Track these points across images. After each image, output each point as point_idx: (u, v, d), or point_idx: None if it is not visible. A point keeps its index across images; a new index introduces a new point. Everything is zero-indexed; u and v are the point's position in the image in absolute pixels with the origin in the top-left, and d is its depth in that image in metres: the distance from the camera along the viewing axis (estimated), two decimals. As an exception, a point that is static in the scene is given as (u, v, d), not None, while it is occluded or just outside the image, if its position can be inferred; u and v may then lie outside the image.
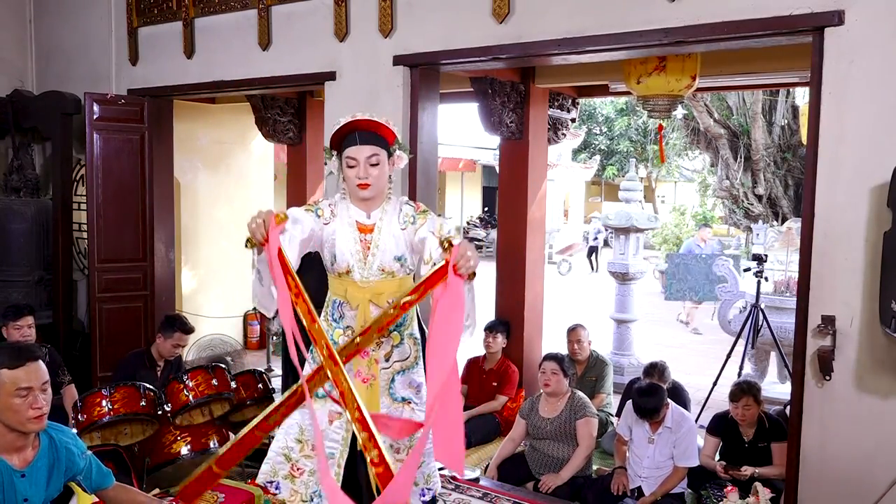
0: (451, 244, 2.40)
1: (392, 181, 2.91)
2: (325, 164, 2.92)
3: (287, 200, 7.09)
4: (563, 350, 5.36)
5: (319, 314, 2.73)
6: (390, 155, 2.85)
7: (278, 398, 2.78)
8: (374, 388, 2.81)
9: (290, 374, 3.41)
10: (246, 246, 2.56)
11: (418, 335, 2.91)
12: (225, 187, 7.66)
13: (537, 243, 5.99)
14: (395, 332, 2.84)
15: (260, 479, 2.94)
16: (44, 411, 2.44)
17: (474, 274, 2.43)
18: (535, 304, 5.99)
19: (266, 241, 2.50)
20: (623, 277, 7.45)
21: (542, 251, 6.16)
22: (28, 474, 2.48)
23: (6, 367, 2.39)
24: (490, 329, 5.60)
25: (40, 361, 2.45)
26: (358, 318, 2.79)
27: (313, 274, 2.91)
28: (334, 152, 2.86)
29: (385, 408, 2.81)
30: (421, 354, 2.89)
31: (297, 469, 2.86)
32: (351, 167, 2.78)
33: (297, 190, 6.95)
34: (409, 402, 2.86)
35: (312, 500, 2.85)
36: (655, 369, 4.76)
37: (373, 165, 2.77)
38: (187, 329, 4.86)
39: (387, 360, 2.85)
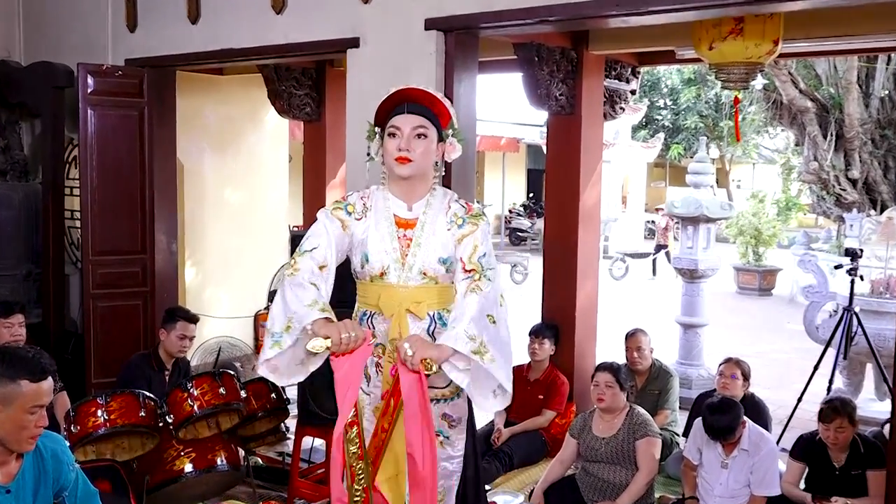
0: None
1: (439, 172, 2.86)
2: (367, 152, 2.84)
3: (304, 184, 7.14)
4: (621, 359, 5.32)
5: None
6: (442, 139, 2.80)
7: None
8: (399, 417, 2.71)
9: (309, 393, 3.44)
10: (311, 348, 2.52)
11: None
12: (234, 170, 7.74)
13: (590, 235, 5.95)
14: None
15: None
16: (42, 429, 2.52)
17: (431, 367, 2.50)
18: (588, 305, 5.95)
19: (347, 353, 2.54)
20: (691, 275, 7.37)
21: (596, 244, 6.11)
22: (14, 490, 2.54)
23: (28, 378, 2.45)
24: (536, 334, 5.58)
25: (48, 382, 2.52)
26: (391, 331, 2.74)
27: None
28: (378, 129, 2.81)
29: None
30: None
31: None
32: (393, 136, 2.73)
33: (315, 172, 6.99)
34: (439, 436, 2.80)
35: None
36: (738, 365, 4.75)
37: (419, 137, 2.72)
38: (191, 317, 4.94)
39: None
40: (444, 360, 2.55)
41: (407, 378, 2.52)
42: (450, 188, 2.90)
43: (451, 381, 2.72)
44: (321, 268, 2.71)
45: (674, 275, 16.35)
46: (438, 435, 2.79)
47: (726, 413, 4.06)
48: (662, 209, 19.17)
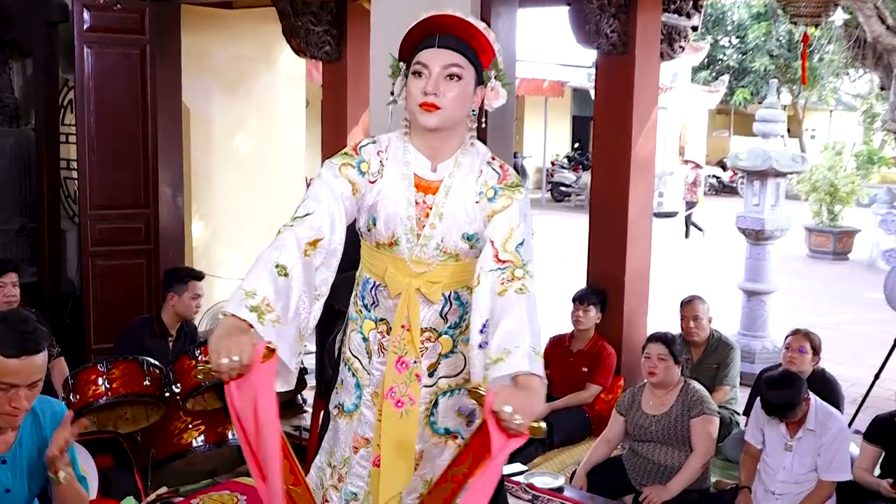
0: (478, 396, 2.14)
1: (475, 124, 2.58)
2: (392, 90, 2.57)
3: (322, 132, 7.16)
4: (675, 329, 5.31)
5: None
6: (482, 82, 2.52)
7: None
8: (412, 418, 2.57)
9: (328, 361, 3.51)
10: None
11: None
12: (245, 115, 7.78)
13: (643, 190, 5.91)
14: (446, 336, 2.61)
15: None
16: (22, 410, 2.52)
17: (540, 430, 2.09)
18: (640, 269, 5.94)
19: (237, 378, 2.15)
20: (757, 236, 7.32)
21: (649, 200, 6.08)
22: (9, 460, 2.61)
23: (1, 353, 2.46)
24: (580, 300, 5.59)
25: (40, 356, 2.51)
26: (399, 312, 2.55)
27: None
28: (402, 65, 2.54)
29: (422, 443, 2.61)
30: None
31: (325, 501, 2.75)
32: (418, 75, 2.45)
33: (334, 119, 7.00)
34: (456, 437, 2.65)
35: None
36: (808, 338, 4.76)
37: (450, 78, 2.43)
38: (198, 275, 5.08)
39: (430, 375, 2.60)
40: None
41: (503, 443, 2.10)
42: (484, 141, 2.65)
43: (465, 367, 2.60)
44: (314, 242, 2.41)
45: (702, 236, 16.31)
46: (456, 437, 2.64)
47: (786, 387, 4.06)
48: (692, 162, 18.94)
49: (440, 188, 2.52)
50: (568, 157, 24.19)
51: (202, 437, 4.31)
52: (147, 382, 4.18)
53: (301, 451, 4.89)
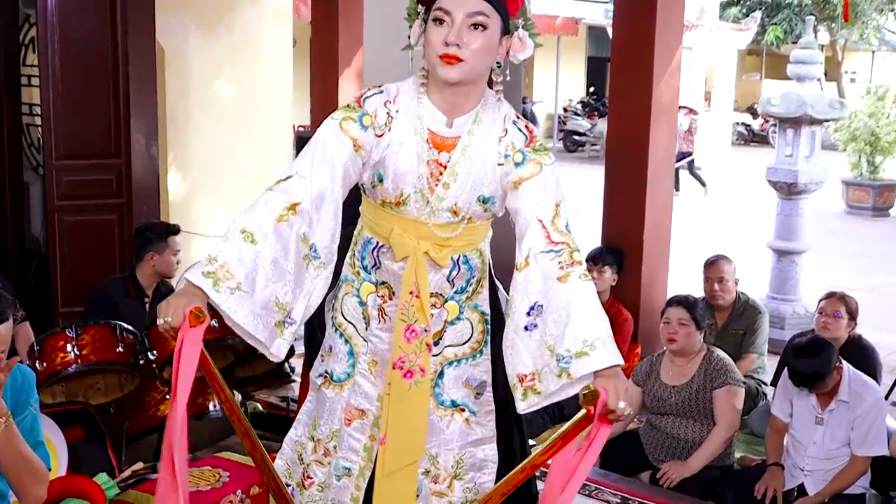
0: (594, 396, 2.29)
1: (500, 78, 2.57)
2: (409, 37, 2.56)
3: (312, 74, 7.12)
4: (698, 292, 5.31)
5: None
6: (507, 32, 2.50)
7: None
8: (422, 389, 2.60)
9: (318, 325, 3.52)
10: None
11: (487, 310, 2.70)
12: (226, 55, 7.71)
13: (665, 139, 5.89)
14: (453, 302, 2.65)
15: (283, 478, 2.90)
16: None
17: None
18: (660, 225, 5.93)
19: (178, 343, 2.29)
20: (789, 190, 7.29)
21: (671, 150, 6.06)
22: None
23: None
24: (593, 260, 5.59)
25: (3, 326, 2.49)
26: (406, 278, 2.56)
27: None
28: (421, 8, 2.53)
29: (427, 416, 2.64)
30: (488, 339, 2.69)
31: (308, 478, 2.78)
32: (439, 23, 2.43)
33: (325, 60, 6.97)
34: (463, 410, 2.69)
35: None
36: (843, 301, 4.76)
37: (474, 28, 2.41)
38: (174, 229, 5.12)
39: (435, 344, 2.63)
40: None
41: (604, 430, 2.37)
42: (488, 86, 2.61)
43: (472, 336, 2.68)
44: (292, 206, 2.45)
45: (699, 189, 16.22)
46: (464, 410, 2.68)
47: (815, 355, 4.07)
48: (686, 107, 18.80)
49: (457, 146, 2.53)
50: (582, 102, 24.06)
51: (181, 409, 4.33)
52: (120, 349, 4.18)
53: (288, 424, 4.93)
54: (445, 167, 2.53)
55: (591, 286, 2.48)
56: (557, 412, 5.15)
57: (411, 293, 2.56)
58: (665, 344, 4.55)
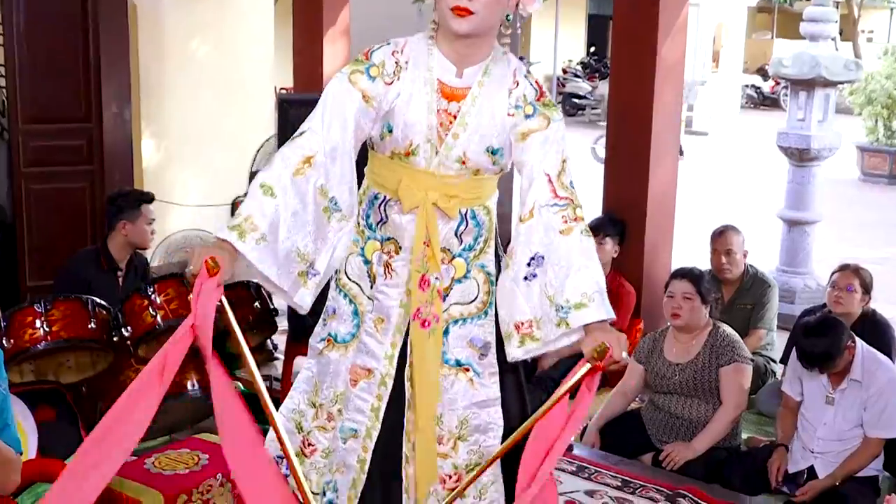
0: (603, 351, 2.53)
1: (509, 30, 2.75)
2: None
3: (294, 34, 7.08)
4: (704, 264, 5.32)
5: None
6: None
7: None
8: (437, 337, 2.76)
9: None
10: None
11: (493, 270, 2.84)
12: (203, 14, 7.68)
13: (670, 102, 5.88)
14: (460, 259, 2.80)
15: (269, 451, 2.95)
16: None
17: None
18: (664, 194, 5.94)
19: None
20: (801, 156, 7.29)
21: (676, 114, 6.05)
22: None
23: None
24: (594, 231, 5.44)
25: None
26: (418, 229, 2.72)
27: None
28: None
29: None
30: (493, 301, 2.82)
31: (309, 445, 2.89)
32: None
33: (308, 19, 6.92)
34: (468, 370, 2.81)
35: (325, 493, 2.87)
36: (857, 274, 4.78)
37: None
38: (147, 197, 5.09)
39: (442, 300, 2.78)
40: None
41: (595, 377, 2.64)
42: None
43: (479, 294, 2.81)
44: (306, 160, 2.63)
45: (680, 159, 16.20)
46: (468, 370, 2.80)
47: (825, 335, 4.08)
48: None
49: (467, 96, 2.70)
50: (582, 63, 24.00)
51: (157, 388, 4.34)
52: (92, 325, 4.18)
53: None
54: (455, 117, 2.69)
55: (592, 242, 2.71)
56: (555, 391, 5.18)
57: (424, 243, 2.72)
58: (669, 319, 4.57)
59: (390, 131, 2.69)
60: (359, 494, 2.81)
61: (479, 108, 2.69)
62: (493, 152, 2.72)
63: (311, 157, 2.63)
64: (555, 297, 2.65)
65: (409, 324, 2.75)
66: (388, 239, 2.77)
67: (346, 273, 2.83)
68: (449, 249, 2.77)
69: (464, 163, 2.71)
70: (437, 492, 2.79)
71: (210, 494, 3.53)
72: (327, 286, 2.85)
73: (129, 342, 4.28)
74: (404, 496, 2.80)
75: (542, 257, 2.68)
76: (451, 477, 2.80)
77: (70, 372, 4.33)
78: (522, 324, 2.71)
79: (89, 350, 4.29)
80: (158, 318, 4.27)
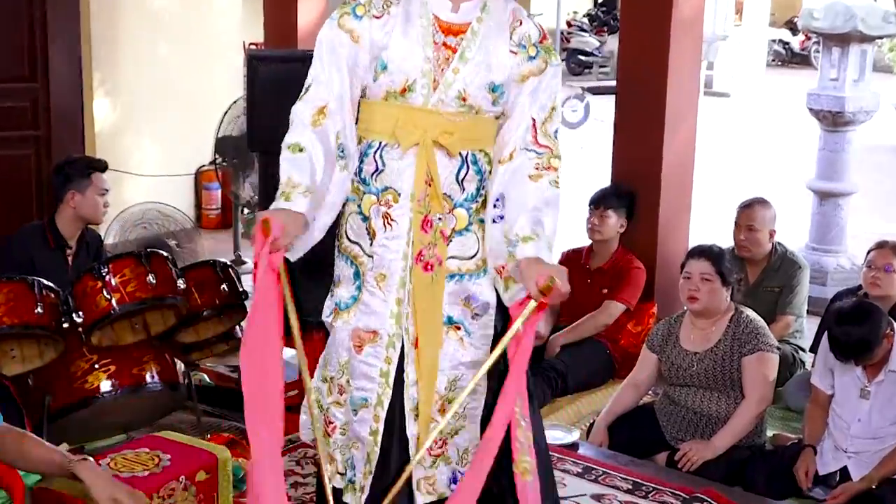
0: (549, 288, 2.63)
1: None
2: None
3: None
4: (725, 241, 5.33)
5: None
6: None
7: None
8: (440, 281, 2.93)
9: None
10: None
11: None
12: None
13: (688, 59, 5.87)
14: (461, 209, 2.96)
15: (303, 436, 3.26)
16: None
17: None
18: (681, 162, 5.94)
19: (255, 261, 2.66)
20: (834, 120, 7.29)
21: (695, 72, 6.05)
22: None
23: None
24: (598, 203, 5.59)
25: None
26: (418, 168, 2.87)
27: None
28: None
29: None
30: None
31: (329, 424, 3.06)
32: None
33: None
34: (459, 328, 2.98)
35: (346, 472, 3.02)
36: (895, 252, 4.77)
37: None
38: (99, 165, 5.06)
39: (446, 243, 2.96)
40: None
41: (535, 317, 2.73)
42: None
43: (478, 252, 2.96)
44: (320, 111, 2.85)
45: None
46: (459, 328, 2.97)
47: (861, 321, 4.08)
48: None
49: (467, 30, 2.87)
50: (589, 15, 23.98)
51: (112, 381, 4.31)
52: (39, 310, 4.16)
53: (240, 398, 4.94)
54: (455, 50, 2.86)
55: (557, 194, 2.91)
56: (561, 384, 5.20)
57: (427, 183, 2.87)
58: (685, 303, 4.58)
59: (384, 68, 2.86)
60: (373, 470, 2.93)
61: (480, 42, 2.87)
62: (494, 89, 2.88)
63: (323, 107, 2.85)
64: (507, 232, 2.84)
65: (408, 279, 2.90)
66: (386, 189, 2.91)
67: (346, 236, 3.00)
68: (450, 196, 2.92)
69: (464, 100, 2.86)
70: (423, 459, 2.93)
71: (172, 499, 3.52)
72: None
73: (80, 329, 4.26)
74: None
75: (504, 196, 2.88)
76: (436, 443, 2.93)
77: (14, 362, 4.31)
78: (503, 267, 2.87)
79: (36, 338, 4.28)
80: (113, 301, 4.25)
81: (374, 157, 2.92)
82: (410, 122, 2.86)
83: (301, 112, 2.87)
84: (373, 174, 2.92)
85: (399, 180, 2.89)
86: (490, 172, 2.96)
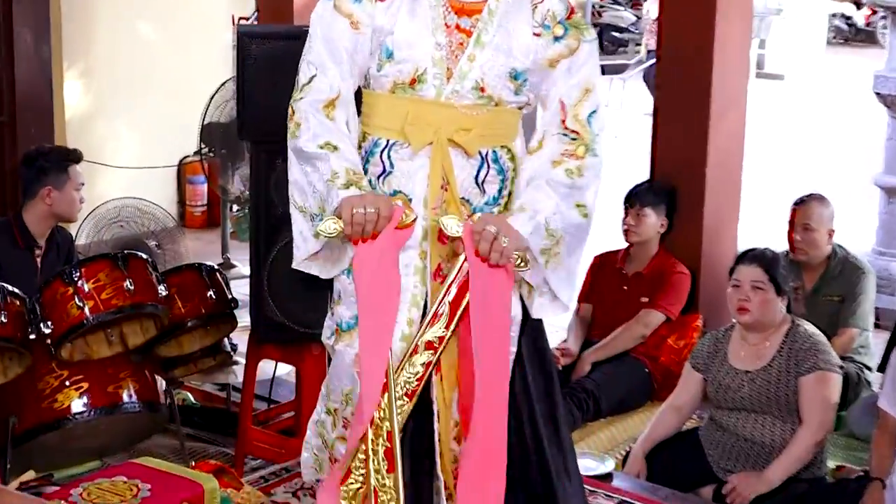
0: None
1: None
2: None
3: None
4: (779, 244, 5.31)
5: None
6: None
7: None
8: None
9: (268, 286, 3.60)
10: (321, 230, 2.75)
11: None
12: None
13: (737, 38, 5.87)
14: (484, 212, 2.93)
15: (305, 476, 3.26)
16: None
17: (525, 261, 2.78)
18: (729, 155, 5.93)
19: (371, 237, 2.74)
20: (903, 105, 7.28)
21: (744, 51, 6.04)
22: None
23: None
24: (629, 201, 5.59)
25: None
26: (433, 170, 2.87)
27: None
28: None
29: None
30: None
31: (334, 461, 3.04)
32: None
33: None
34: None
35: None
36: None
37: None
38: (75, 156, 5.10)
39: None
40: None
41: (484, 275, 2.77)
42: None
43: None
44: (329, 104, 2.86)
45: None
46: None
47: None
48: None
49: (483, 10, 2.85)
50: (624, -14, 23.95)
51: (85, 400, 4.31)
52: (2, 319, 4.16)
53: (229, 420, 4.96)
54: (469, 33, 2.85)
55: (570, 179, 2.87)
56: (593, 406, 5.19)
57: (442, 187, 2.88)
58: (734, 315, 4.56)
59: (390, 57, 2.86)
60: None
61: (498, 23, 2.85)
62: (516, 77, 2.88)
63: (334, 99, 2.87)
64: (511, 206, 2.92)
65: (426, 294, 2.92)
66: (395, 194, 2.90)
67: None
68: (469, 201, 2.93)
69: (482, 90, 2.86)
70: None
71: (153, 534, 3.54)
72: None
73: (49, 341, 4.26)
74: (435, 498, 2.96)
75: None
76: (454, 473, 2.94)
77: (-26, 379, 4.33)
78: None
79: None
80: (86, 310, 4.25)
81: (380, 157, 2.93)
82: (422, 117, 2.86)
83: (312, 109, 2.86)
84: (380, 176, 2.93)
85: (410, 183, 2.90)
86: (514, 170, 2.96)
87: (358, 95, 3.01)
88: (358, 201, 2.69)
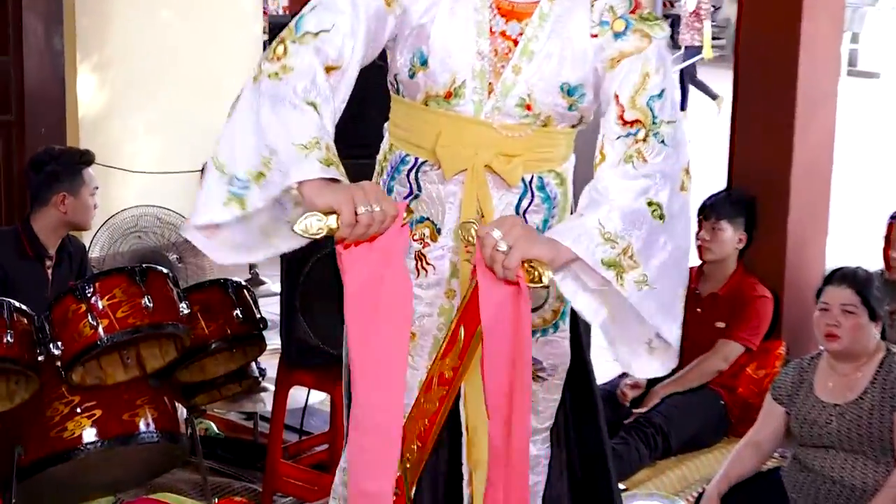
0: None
1: None
2: None
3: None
4: (873, 263, 5.29)
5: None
6: None
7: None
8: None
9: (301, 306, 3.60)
10: (301, 230, 2.39)
11: None
12: None
13: (825, 32, 5.86)
14: None
15: None
16: None
17: (539, 276, 2.43)
18: (816, 162, 5.92)
19: (364, 241, 2.47)
20: None
21: (834, 48, 6.02)
22: None
23: None
24: (705, 213, 5.58)
25: None
26: (467, 201, 2.76)
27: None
28: None
29: None
30: (568, 310, 2.89)
31: None
32: None
33: None
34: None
35: None
36: None
37: None
38: (89, 158, 5.13)
39: None
40: (561, 268, 2.51)
41: (493, 291, 2.49)
42: None
43: (548, 299, 2.84)
44: (330, 70, 2.60)
45: (709, 105, 15.97)
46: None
47: None
48: None
49: (534, 13, 2.71)
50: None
51: (97, 429, 4.32)
52: (9, 339, 4.17)
53: (256, 453, 4.98)
54: (516, 42, 2.71)
55: (632, 171, 2.60)
56: (662, 442, 5.18)
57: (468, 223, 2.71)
58: (822, 341, 4.54)
59: (424, 63, 2.71)
60: None
61: (550, 29, 2.71)
62: (570, 92, 2.73)
63: (335, 68, 2.60)
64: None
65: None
66: (422, 221, 2.83)
67: None
68: None
69: (528, 108, 2.72)
70: None
71: (171, 578, 3.58)
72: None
73: (59, 363, 4.29)
74: None
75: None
76: None
77: (-23, 404, 4.38)
78: None
79: (4, 374, 4.32)
80: (100, 329, 4.26)
81: (407, 176, 2.83)
82: (457, 138, 2.73)
83: (315, 60, 2.57)
84: (406, 197, 2.81)
85: (439, 212, 2.81)
86: (563, 195, 2.87)
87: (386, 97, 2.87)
88: (361, 197, 2.37)
